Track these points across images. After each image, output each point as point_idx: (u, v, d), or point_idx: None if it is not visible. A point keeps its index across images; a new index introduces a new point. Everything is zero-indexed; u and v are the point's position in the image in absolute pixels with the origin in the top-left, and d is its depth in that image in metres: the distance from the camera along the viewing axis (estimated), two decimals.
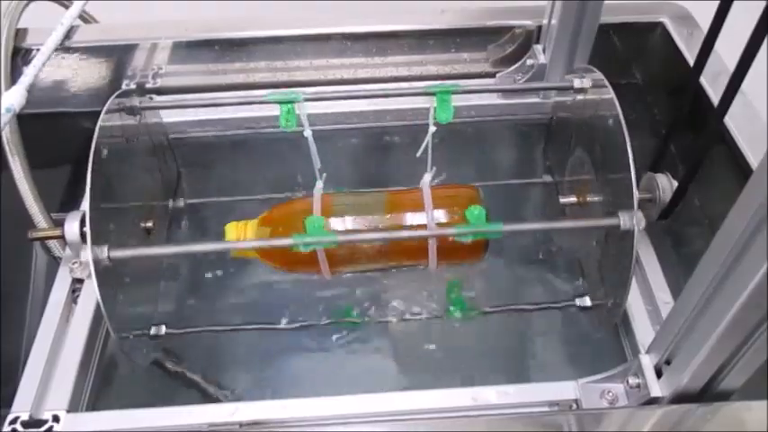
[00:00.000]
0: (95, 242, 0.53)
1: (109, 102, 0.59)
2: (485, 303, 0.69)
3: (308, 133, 0.62)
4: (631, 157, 0.53)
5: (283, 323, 0.69)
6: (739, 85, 0.53)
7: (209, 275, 0.78)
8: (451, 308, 0.72)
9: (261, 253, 0.64)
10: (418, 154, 0.63)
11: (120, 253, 0.55)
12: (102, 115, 0.57)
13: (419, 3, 0.83)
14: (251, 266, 0.79)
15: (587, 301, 0.67)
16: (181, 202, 0.77)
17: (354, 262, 0.65)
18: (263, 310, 0.77)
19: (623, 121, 0.55)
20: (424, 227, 0.62)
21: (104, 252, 0.54)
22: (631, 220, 0.54)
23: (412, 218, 0.63)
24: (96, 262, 0.53)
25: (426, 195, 0.62)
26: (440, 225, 0.62)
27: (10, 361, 0.67)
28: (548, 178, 0.77)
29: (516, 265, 0.80)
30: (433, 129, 0.62)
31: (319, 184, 0.65)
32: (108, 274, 0.55)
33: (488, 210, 0.61)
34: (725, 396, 0.47)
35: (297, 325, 0.69)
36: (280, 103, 0.61)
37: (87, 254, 0.52)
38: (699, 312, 0.44)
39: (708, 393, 0.47)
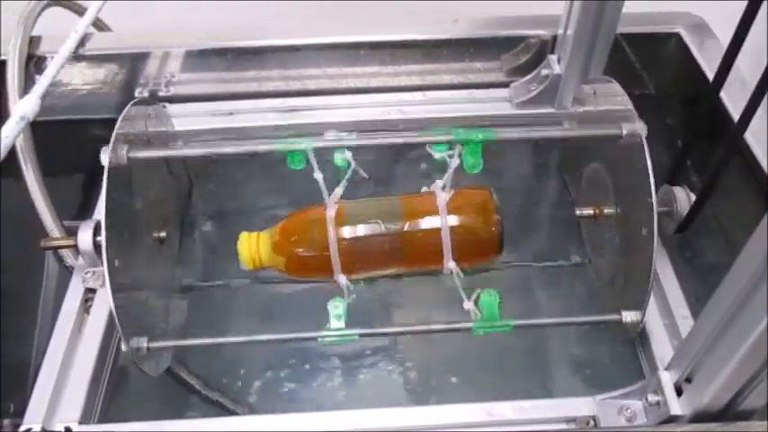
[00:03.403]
0: (109, 252, 0.53)
1: (125, 110, 0.59)
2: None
3: (318, 176, 0.61)
4: (651, 172, 0.52)
5: (297, 334, 0.68)
6: (760, 102, 0.52)
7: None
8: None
9: (274, 263, 0.64)
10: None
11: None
12: (118, 123, 0.57)
13: (433, 12, 0.82)
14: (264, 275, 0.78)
15: (603, 315, 0.66)
16: (193, 212, 0.76)
17: (368, 267, 0.65)
18: (276, 320, 0.76)
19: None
20: (438, 231, 0.61)
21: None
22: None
23: (426, 222, 0.63)
24: (111, 272, 0.53)
25: (440, 199, 0.62)
26: (454, 228, 0.61)
27: (20, 370, 0.67)
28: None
29: (531, 277, 0.79)
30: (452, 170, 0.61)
31: (335, 193, 0.64)
32: (122, 285, 0.55)
33: (503, 211, 0.61)
34: (746, 415, 0.46)
35: (308, 336, 0.68)
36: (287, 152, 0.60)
37: (103, 264, 0.52)
38: (722, 330, 0.43)
39: (729, 412, 0.46)
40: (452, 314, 0.61)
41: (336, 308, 0.59)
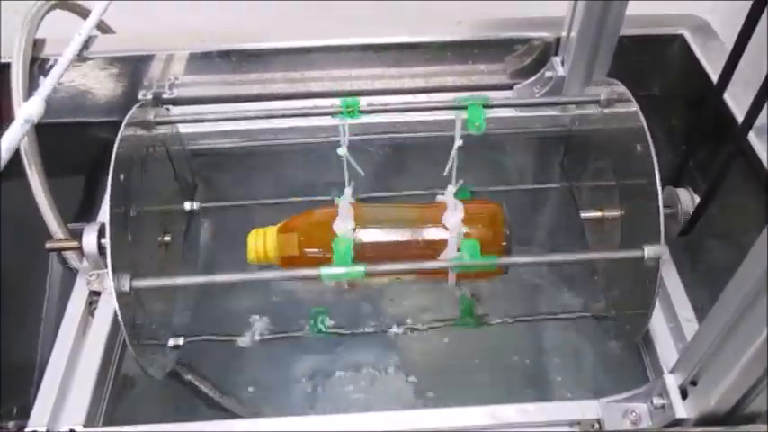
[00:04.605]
0: (115, 255, 0.53)
1: (130, 113, 0.59)
2: (501, 318, 0.68)
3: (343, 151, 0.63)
4: (657, 174, 0.52)
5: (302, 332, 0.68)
6: (764, 103, 0.52)
7: None
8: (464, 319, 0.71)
9: (279, 259, 0.64)
10: (446, 172, 0.64)
11: (141, 283, 0.55)
12: (122, 126, 0.57)
13: (437, 14, 0.82)
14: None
15: (608, 319, 0.66)
16: (197, 214, 0.76)
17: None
18: (281, 320, 0.76)
19: (649, 136, 0.54)
20: (446, 243, 0.61)
21: (126, 284, 0.54)
22: (656, 252, 0.53)
23: (435, 234, 0.63)
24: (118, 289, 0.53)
25: (452, 213, 0.62)
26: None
27: (24, 372, 0.67)
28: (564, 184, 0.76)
29: (534, 280, 0.79)
30: (459, 143, 0.62)
31: (347, 192, 0.64)
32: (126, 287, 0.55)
33: (511, 224, 0.61)
34: (752, 419, 0.46)
35: (313, 335, 0.68)
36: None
37: (108, 279, 0.52)
38: (727, 333, 0.43)
39: (735, 416, 0.46)
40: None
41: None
